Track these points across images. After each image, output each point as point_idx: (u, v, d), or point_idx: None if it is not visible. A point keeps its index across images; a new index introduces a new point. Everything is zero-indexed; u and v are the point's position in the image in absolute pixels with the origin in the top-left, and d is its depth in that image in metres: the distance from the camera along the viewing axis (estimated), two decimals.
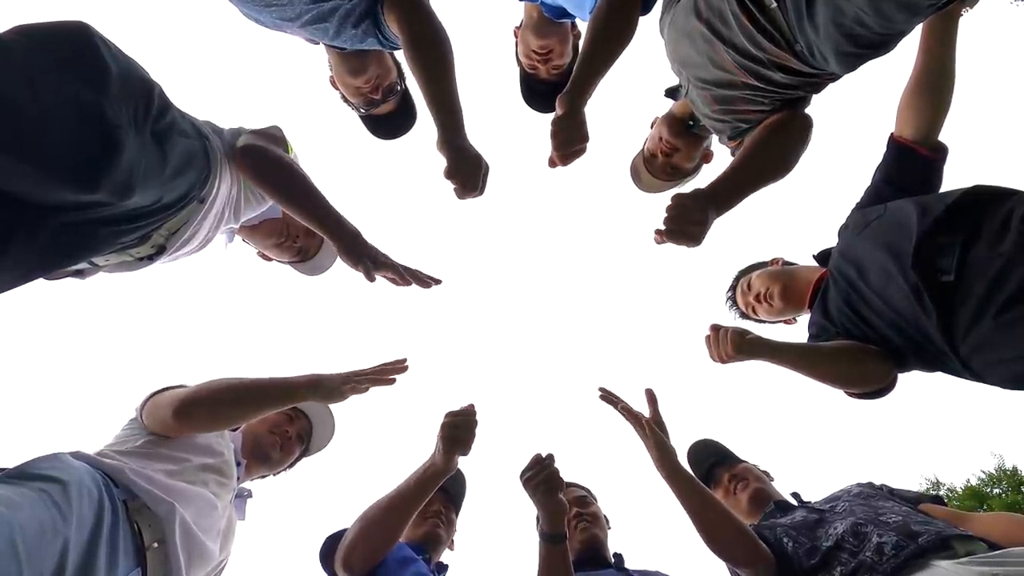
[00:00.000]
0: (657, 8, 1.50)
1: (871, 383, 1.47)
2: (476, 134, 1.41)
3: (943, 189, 1.49)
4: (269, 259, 1.91)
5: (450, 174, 1.36)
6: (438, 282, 1.47)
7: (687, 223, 1.28)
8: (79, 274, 1.37)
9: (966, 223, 1.25)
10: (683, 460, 1.63)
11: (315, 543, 1.58)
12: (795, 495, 1.71)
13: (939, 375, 1.43)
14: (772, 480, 1.85)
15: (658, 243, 1.32)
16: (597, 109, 1.42)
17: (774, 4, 1.18)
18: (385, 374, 1.52)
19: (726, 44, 1.30)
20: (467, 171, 1.37)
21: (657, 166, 1.91)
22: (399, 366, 1.53)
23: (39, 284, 1.21)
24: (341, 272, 1.84)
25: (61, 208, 1.06)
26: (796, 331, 1.87)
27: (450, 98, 1.36)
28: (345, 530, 1.52)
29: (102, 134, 1.05)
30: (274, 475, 1.74)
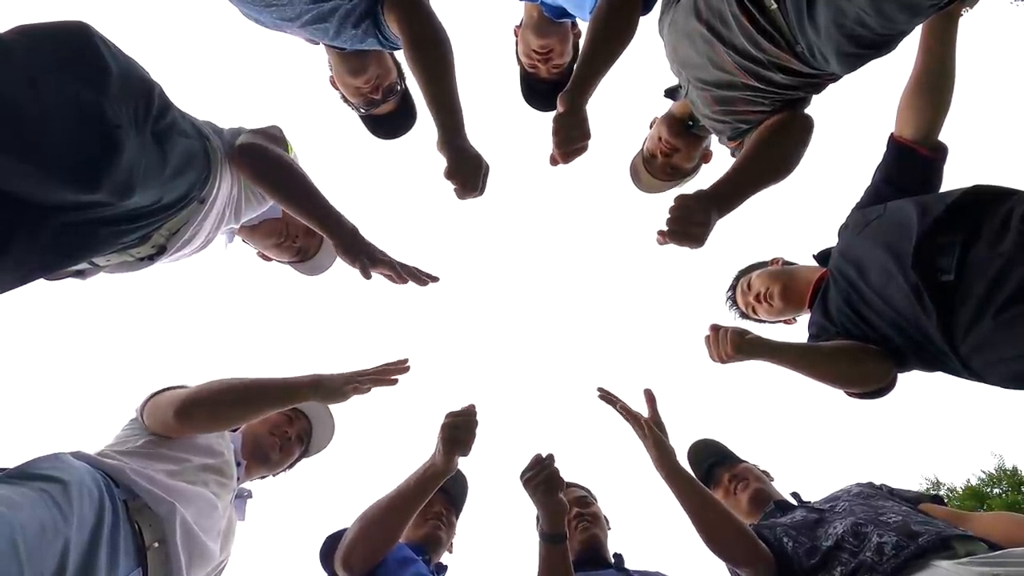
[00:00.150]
0: (657, 8, 1.50)
1: (871, 383, 1.47)
2: (476, 134, 1.41)
3: (943, 189, 1.49)
4: (269, 259, 1.91)
5: (450, 174, 1.36)
6: (435, 280, 1.47)
7: (690, 224, 1.28)
8: (80, 274, 1.37)
9: (966, 223, 1.25)
10: (683, 460, 1.63)
11: (315, 543, 1.58)
12: (795, 495, 1.71)
13: (939, 375, 1.43)
14: (772, 480, 1.85)
15: (660, 244, 1.32)
16: (597, 109, 1.42)
17: (774, 5, 1.18)
18: (387, 374, 1.52)
19: (726, 45, 1.30)
20: (467, 171, 1.37)
21: (657, 166, 1.91)
22: (401, 366, 1.53)
23: (40, 284, 1.21)
24: (341, 272, 1.85)
25: (62, 208, 1.06)
26: (796, 331, 1.87)
27: (450, 98, 1.36)
28: (345, 530, 1.52)
29: (102, 134, 1.05)
30: (274, 476, 1.74)
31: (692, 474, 1.60)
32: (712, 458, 1.89)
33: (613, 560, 1.75)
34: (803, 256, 1.82)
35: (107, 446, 1.38)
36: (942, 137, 1.51)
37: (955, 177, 1.49)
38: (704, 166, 1.97)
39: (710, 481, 1.84)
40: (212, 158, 1.39)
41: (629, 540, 1.96)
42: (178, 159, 1.24)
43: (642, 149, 1.97)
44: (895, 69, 1.48)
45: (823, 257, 1.69)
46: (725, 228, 1.39)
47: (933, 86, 1.44)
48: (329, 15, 1.42)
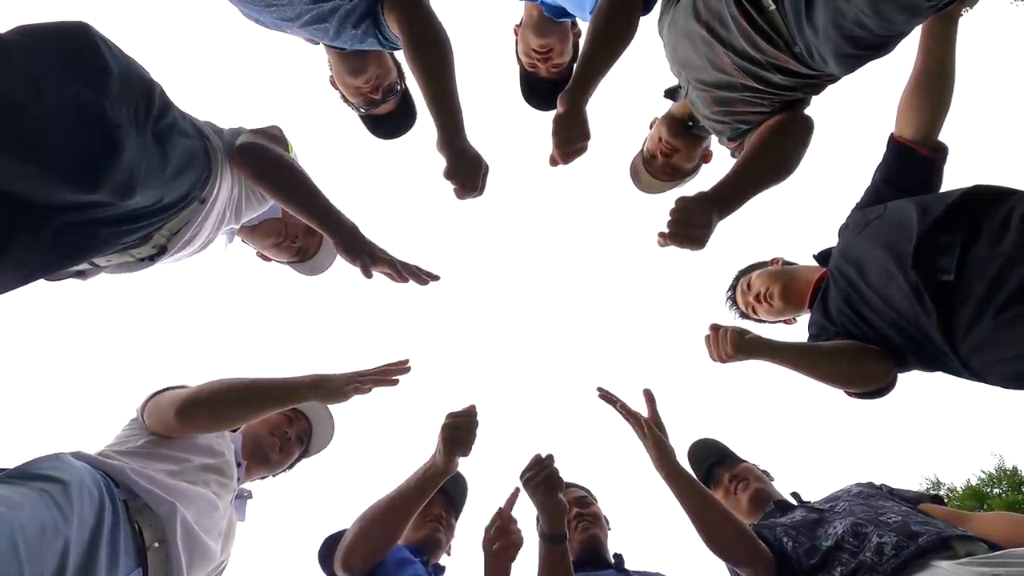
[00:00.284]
0: (657, 8, 1.50)
1: (871, 383, 1.47)
2: (476, 134, 1.41)
3: (943, 189, 1.49)
4: (268, 259, 1.91)
5: (450, 174, 1.36)
6: (436, 278, 1.47)
7: (691, 226, 1.28)
8: (80, 275, 1.37)
9: (966, 223, 1.25)
10: (683, 460, 1.63)
11: (315, 544, 1.58)
12: (795, 495, 1.71)
13: (939, 375, 1.43)
14: (772, 480, 1.85)
15: (661, 246, 1.32)
16: (597, 109, 1.42)
17: (772, 6, 1.18)
18: (388, 374, 1.52)
19: (725, 46, 1.30)
20: (467, 171, 1.37)
21: (657, 167, 1.91)
22: (402, 366, 1.53)
23: (40, 285, 1.21)
24: (341, 272, 1.85)
25: (63, 208, 1.06)
26: (796, 331, 1.87)
27: (450, 98, 1.36)
28: (344, 531, 1.52)
29: (103, 134, 1.05)
30: (273, 476, 1.74)
31: (692, 474, 1.60)
32: (712, 458, 1.89)
33: (613, 560, 1.75)
34: (803, 256, 1.82)
35: (107, 446, 1.38)
36: (942, 137, 1.51)
37: (955, 177, 1.50)
38: (704, 166, 1.97)
39: (710, 481, 1.84)
40: (212, 158, 1.39)
41: (629, 540, 1.96)
42: (179, 159, 1.24)
43: (642, 149, 1.97)
44: (895, 69, 1.48)
45: (823, 257, 1.69)
46: (725, 228, 1.39)
47: (933, 86, 1.44)
48: (329, 15, 1.42)
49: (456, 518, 1.85)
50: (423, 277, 1.45)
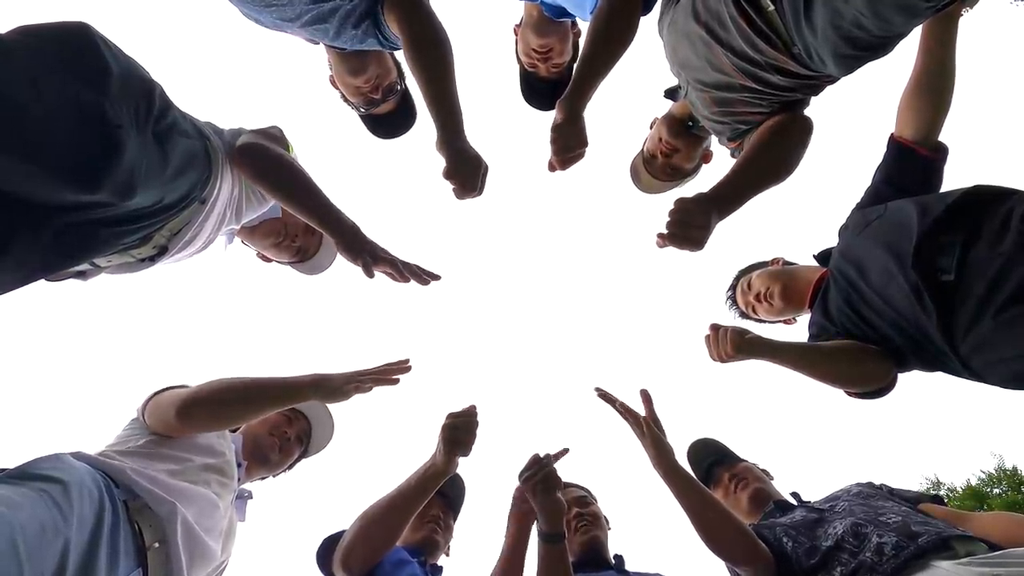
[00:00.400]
0: (657, 8, 1.50)
1: (871, 383, 1.47)
2: (476, 134, 1.41)
3: (943, 189, 1.49)
4: (269, 260, 1.91)
5: (449, 174, 1.36)
6: (437, 278, 1.47)
7: (690, 227, 1.28)
8: (81, 275, 1.37)
9: (966, 223, 1.25)
10: (682, 460, 1.63)
11: (314, 544, 1.58)
12: (795, 495, 1.71)
13: (939, 375, 1.43)
14: (772, 479, 1.85)
15: (660, 247, 1.32)
16: (597, 109, 1.42)
17: (771, 7, 1.18)
18: (388, 374, 1.52)
19: (724, 47, 1.30)
20: (466, 172, 1.37)
21: (657, 167, 1.91)
22: (402, 366, 1.53)
23: (40, 285, 1.21)
24: (341, 272, 1.85)
25: (63, 209, 1.06)
26: (796, 331, 1.87)
27: (450, 99, 1.36)
28: (342, 532, 1.52)
29: (103, 134, 1.05)
30: (274, 476, 1.74)
31: (691, 473, 1.61)
32: (712, 457, 1.89)
33: (614, 561, 1.75)
34: (803, 256, 1.82)
35: (108, 446, 1.38)
36: (942, 137, 1.51)
37: (955, 177, 1.50)
38: (704, 166, 1.97)
39: (710, 481, 1.84)
40: (213, 158, 1.39)
41: (628, 541, 1.96)
42: (179, 159, 1.24)
43: (642, 150, 1.97)
44: (895, 70, 1.48)
45: (823, 257, 1.69)
46: (725, 229, 1.39)
47: (933, 87, 1.44)
48: (329, 15, 1.42)
49: (454, 519, 1.85)
50: (424, 277, 1.45)
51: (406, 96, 1.94)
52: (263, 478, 1.72)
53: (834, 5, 1.08)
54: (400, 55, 1.76)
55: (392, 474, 1.56)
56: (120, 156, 1.06)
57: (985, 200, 1.26)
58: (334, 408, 1.78)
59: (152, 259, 1.41)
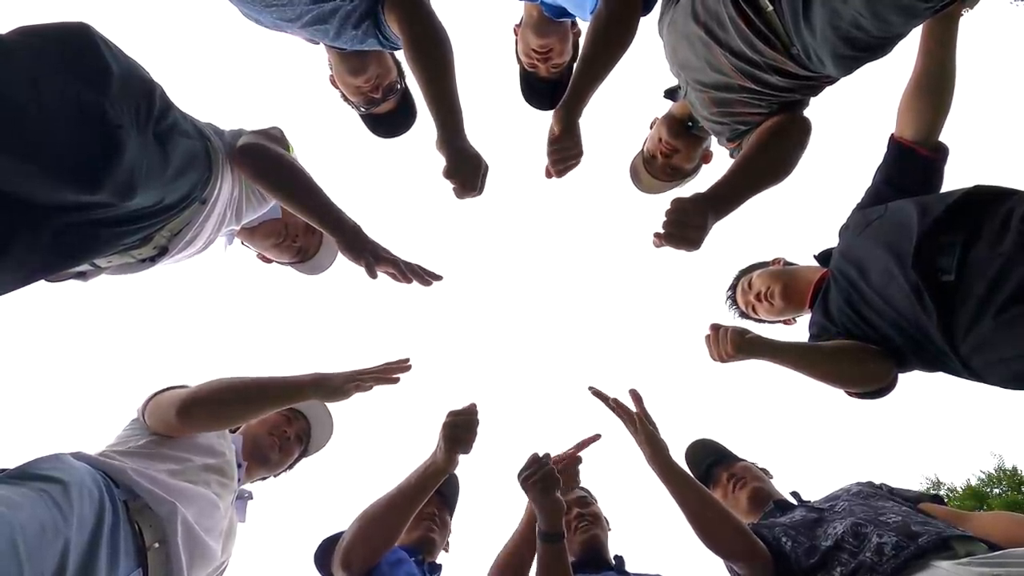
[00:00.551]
0: (657, 8, 1.50)
1: (871, 383, 1.47)
2: (476, 133, 1.41)
3: (944, 189, 1.49)
4: (269, 261, 1.91)
5: (449, 174, 1.37)
6: (438, 278, 1.47)
7: (687, 227, 1.28)
8: (81, 276, 1.37)
9: (966, 223, 1.25)
10: (681, 460, 1.63)
11: (313, 545, 1.58)
12: (795, 494, 1.71)
13: (939, 375, 1.43)
14: (771, 478, 1.85)
15: (657, 247, 1.33)
16: (596, 109, 1.43)
17: (770, 7, 1.18)
18: (388, 373, 1.52)
19: (723, 47, 1.30)
20: (466, 171, 1.37)
21: (657, 167, 1.91)
22: (402, 365, 1.54)
23: (41, 286, 1.21)
24: (341, 273, 1.85)
25: (63, 209, 1.06)
26: (796, 332, 1.87)
27: (450, 98, 1.37)
28: (340, 533, 1.52)
29: (103, 134, 1.05)
30: (274, 476, 1.74)
31: (686, 470, 1.60)
32: (710, 457, 1.89)
33: (614, 562, 1.75)
34: (804, 257, 1.82)
35: (108, 447, 1.38)
36: (942, 138, 1.51)
37: (956, 177, 1.50)
38: (704, 167, 1.97)
39: (708, 481, 1.83)
40: (213, 159, 1.39)
41: (628, 541, 1.96)
42: (180, 160, 1.24)
43: (642, 150, 1.97)
44: (896, 70, 1.48)
45: (824, 258, 1.69)
46: (726, 228, 1.39)
47: (933, 87, 1.44)
48: (329, 16, 1.42)
49: (450, 515, 1.85)
50: (426, 277, 1.45)
51: (406, 95, 1.94)
52: (264, 478, 1.72)
53: (833, 5, 1.08)
54: (400, 54, 1.76)
55: (392, 473, 1.57)
56: (120, 156, 1.06)
57: (985, 200, 1.26)
58: (334, 407, 1.78)
59: (153, 260, 1.41)
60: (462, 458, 1.55)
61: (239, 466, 1.55)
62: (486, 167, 1.41)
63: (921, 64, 1.43)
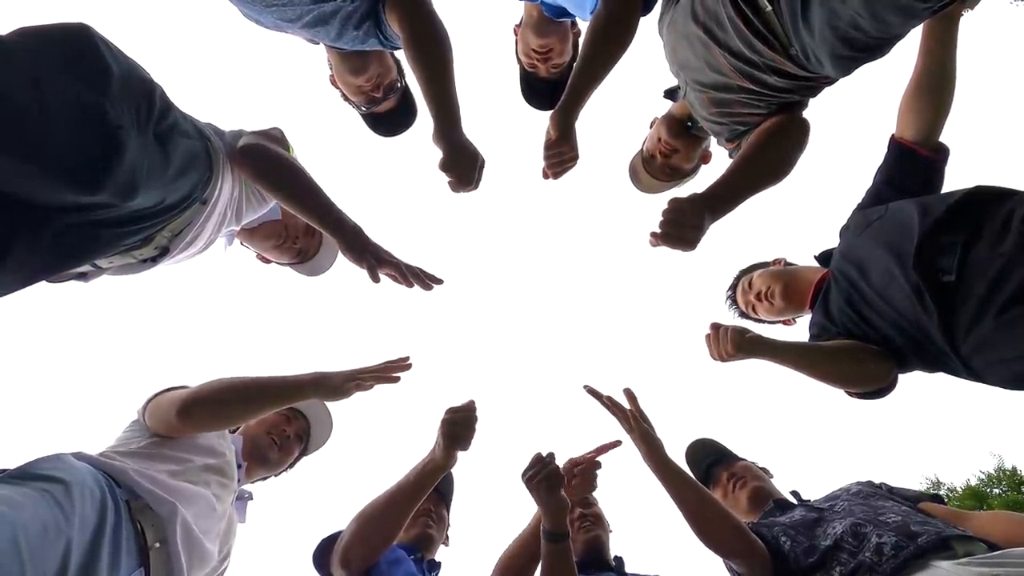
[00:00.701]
0: (657, 9, 1.50)
1: (871, 383, 1.47)
2: (476, 133, 1.42)
3: (944, 190, 1.49)
4: (268, 261, 1.91)
5: (445, 166, 1.37)
6: (439, 282, 1.46)
7: (683, 227, 1.29)
8: (82, 276, 1.37)
9: (967, 223, 1.25)
10: (681, 460, 1.62)
11: (311, 545, 1.58)
12: (795, 493, 1.71)
13: (939, 375, 1.43)
14: (771, 477, 1.85)
15: (653, 246, 1.33)
16: (596, 109, 1.43)
17: (769, 7, 1.18)
18: (389, 372, 1.52)
19: (722, 47, 1.30)
20: (463, 164, 1.38)
21: (656, 167, 1.91)
22: (402, 364, 1.54)
23: (41, 286, 1.21)
24: (340, 273, 1.85)
25: (64, 210, 1.06)
26: (796, 332, 1.87)
27: (448, 93, 1.37)
28: (339, 532, 1.52)
29: (104, 135, 1.05)
30: (275, 476, 1.74)
31: (683, 468, 1.61)
32: (710, 457, 1.89)
33: (614, 563, 1.75)
34: (804, 257, 1.82)
35: (109, 447, 1.38)
36: (943, 138, 1.51)
37: (956, 178, 1.50)
38: (704, 167, 1.97)
39: (708, 480, 1.83)
40: (214, 159, 1.39)
41: (627, 542, 1.97)
42: (180, 160, 1.24)
43: (641, 149, 1.97)
44: (896, 70, 1.48)
45: (824, 258, 1.69)
46: (726, 229, 1.39)
47: (934, 87, 1.44)
48: (331, 17, 1.42)
49: (447, 510, 1.86)
50: (427, 282, 1.44)
51: (406, 94, 1.94)
52: (264, 478, 1.72)
53: (831, 6, 1.08)
54: (400, 54, 1.76)
55: (391, 472, 1.57)
56: (121, 157, 1.06)
57: (986, 201, 1.26)
58: (335, 406, 1.78)
59: (154, 260, 1.41)
60: (460, 455, 1.55)
61: (239, 467, 1.55)
62: (483, 161, 1.41)
63: (922, 64, 1.43)
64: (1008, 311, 1.14)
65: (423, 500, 1.60)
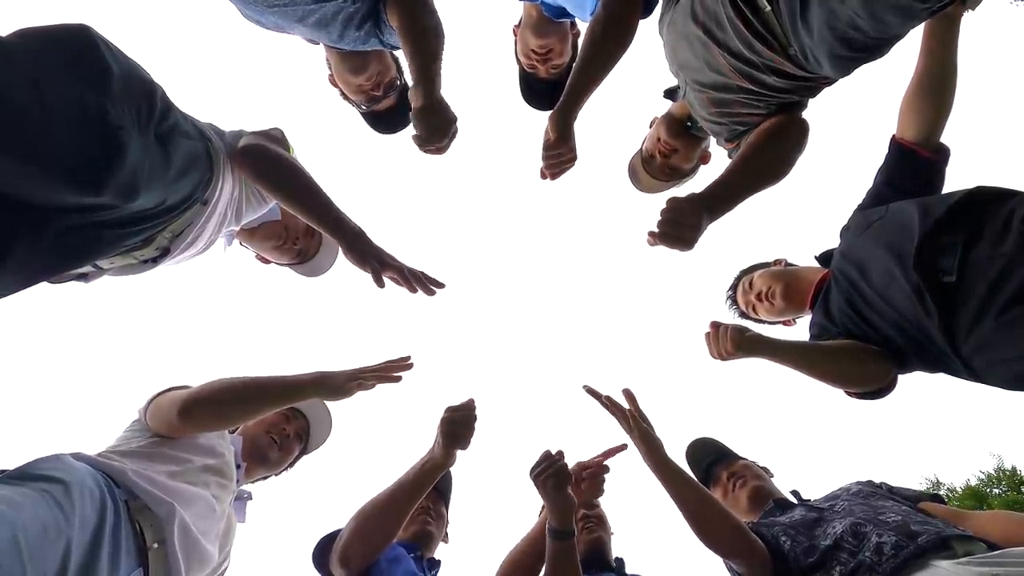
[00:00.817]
0: (657, 9, 1.51)
1: (871, 383, 1.47)
2: (476, 133, 1.42)
3: (945, 190, 1.49)
4: (268, 262, 1.91)
5: (420, 115, 1.35)
6: (442, 286, 1.45)
7: (681, 227, 1.29)
8: (83, 277, 1.37)
9: (968, 224, 1.25)
10: (681, 459, 1.62)
11: (311, 544, 1.58)
12: (795, 493, 1.71)
13: (939, 375, 1.43)
14: (771, 476, 1.85)
15: (651, 245, 1.33)
16: (596, 108, 1.43)
17: (768, 7, 1.18)
18: (390, 371, 1.52)
19: (721, 47, 1.30)
20: (435, 120, 1.36)
21: (655, 166, 1.91)
22: (404, 363, 1.54)
23: (42, 287, 1.21)
24: (340, 273, 1.85)
25: (65, 211, 1.06)
26: (796, 333, 1.87)
27: (435, 65, 1.37)
28: (338, 531, 1.52)
29: (105, 136, 1.05)
30: (276, 475, 1.74)
31: (682, 468, 1.61)
32: (711, 456, 1.89)
33: (614, 564, 1.75)
34: (805, 257, 1.82)
35: (109, 447, 1.38)
36: (944, 138, 1.51)
37: (957, 178, 1.50)
38: (703, 167, 1.97)
39: (708, 480, 1.83)
40: (214, 159, 1.39)
41: (627, 542, 1.97)
42: (181, 160, 1.25)
43: (641, 149, 1.97)
44: (897, 70, 1.48)
45: (825, 258, 1.69)
46: (726, 229, 1.39)
47: (935, 88, 1.44)
48: (332, 18, 1.43)
49: (446, 507, 1.86)
50: (429, 287, 1.43)
51: (406, 92, 1.95)
52: (264, 477, 1.72)
53: (830, 6, 1.08)
54: (400, 53, 1.76)
55: (391, 471, 1.57)
56: (122, 158, 1.06)
57: (986, 201, 1.26)
58: (334, 406, 1.78)
59: (155, 261, 1.41)
60: (460, 454, 1.55)
61: (238, 467, 1.55)
62: (456, 129, 1.41)
63: (922, 64, 1.43)
64: (1009, 311, 1.14)
65: (422, 498, 1.60)
